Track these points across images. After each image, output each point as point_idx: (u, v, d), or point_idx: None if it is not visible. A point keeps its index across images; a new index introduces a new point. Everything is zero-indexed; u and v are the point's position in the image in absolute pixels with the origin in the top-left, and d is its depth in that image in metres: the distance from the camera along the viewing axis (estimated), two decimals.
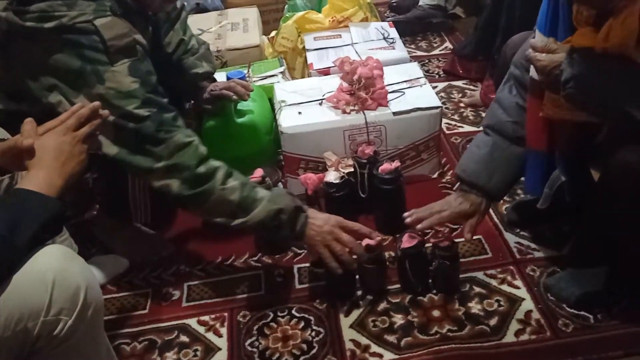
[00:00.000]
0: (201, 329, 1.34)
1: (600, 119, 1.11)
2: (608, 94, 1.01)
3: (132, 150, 1.19)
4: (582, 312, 1.27)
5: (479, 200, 1.30)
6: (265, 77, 1.90)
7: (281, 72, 1.92)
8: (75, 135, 0.97)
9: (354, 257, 1.29)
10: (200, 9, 2.46)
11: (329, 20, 2.12)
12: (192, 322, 1.36)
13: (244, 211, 1.23)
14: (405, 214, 1.32)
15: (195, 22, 2.24)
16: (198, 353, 1.28)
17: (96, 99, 1.11)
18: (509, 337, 1.24)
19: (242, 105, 1.63)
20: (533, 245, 1.45)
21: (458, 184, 1.37)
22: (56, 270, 0.85)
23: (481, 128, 1.38)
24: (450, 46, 2.44)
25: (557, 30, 1.13)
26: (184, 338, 1.32)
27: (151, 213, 1.50)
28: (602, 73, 1.03)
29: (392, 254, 1.44)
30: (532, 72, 1.18)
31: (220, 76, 1.75)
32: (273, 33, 2.17)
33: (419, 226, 1.28)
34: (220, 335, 1.32)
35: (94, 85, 1.15)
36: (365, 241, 1.34)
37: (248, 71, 1.92)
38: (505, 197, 1.58)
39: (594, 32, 1.02)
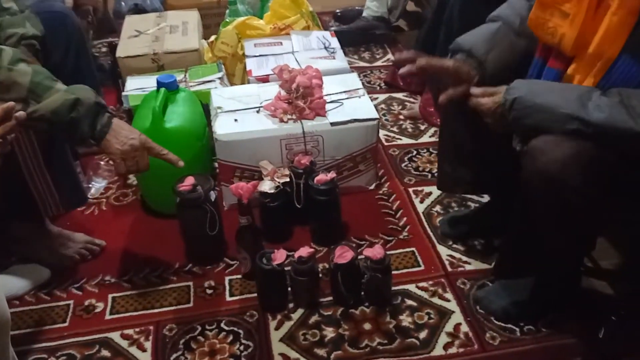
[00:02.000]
0: (124, 343, 1.28)
1: (548, 131, 1.09)
2: (551, 102, 1.04)
3: None
4: (509, 325, 1.29)
5: (474, 71, 1.23)
6: (203, 82, 1.85)
7: (219, 78, 1.88)
8: None
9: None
10: (138, 10, 2.38)
11: (270, 27, 2.09)
12: (115, 335, 1.30)
13: (37, 97, 1.15)
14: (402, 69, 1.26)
15: (133, 23, 2.18)
16: None
17: None
18: (438, 350, 1.25)
19: (171, 110, 1.57)
20: (464, 258, 1.47)
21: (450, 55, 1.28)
22: None
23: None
24: (393, 58, 2.46)
25: None
26: (105, 353, 1.26)
27: (59, 199, 1.41)
28: (543, 85, 1.09)
29: (327, 265, 1.43)
30: None
31: (151, 81, 1.70)
32: (213, 37, 2.12)
33: (419, 62, 1.22)
34: (144, 350, 1.27)
35: None
36: (298, 252, 1.33)
37: (185, 75, 1.87)
38: (438, 210, 1.61)
39: None
